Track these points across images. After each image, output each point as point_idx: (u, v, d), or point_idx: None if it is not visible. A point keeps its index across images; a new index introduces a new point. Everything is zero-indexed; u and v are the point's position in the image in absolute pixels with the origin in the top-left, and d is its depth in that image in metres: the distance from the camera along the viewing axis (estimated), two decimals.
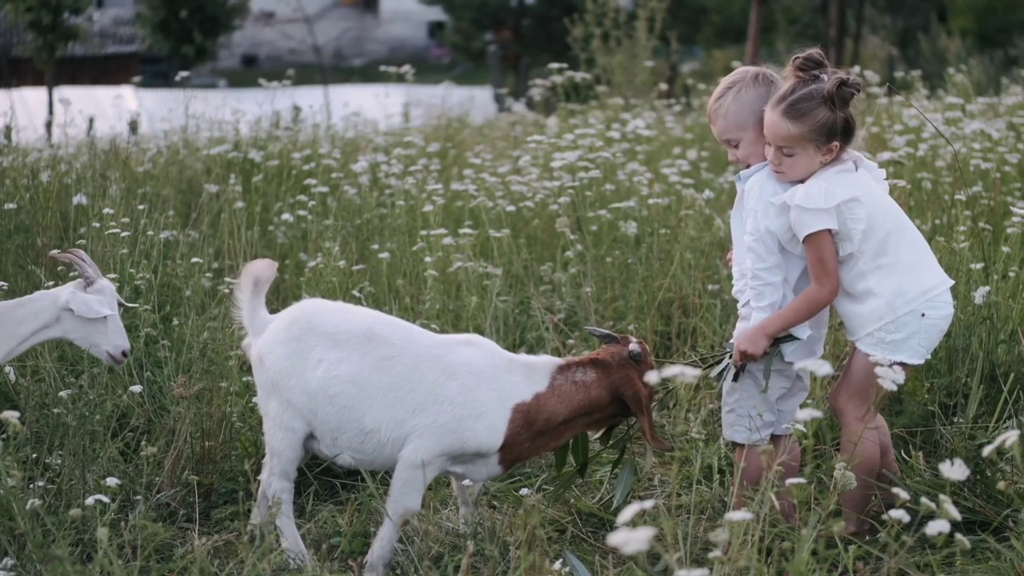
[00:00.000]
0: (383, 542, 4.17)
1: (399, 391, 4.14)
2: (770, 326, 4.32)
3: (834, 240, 4.30)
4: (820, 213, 4.25)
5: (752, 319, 4.38)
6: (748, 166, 4.50)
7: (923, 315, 4.30)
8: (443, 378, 4.14)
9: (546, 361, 4.33)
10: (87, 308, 4.59)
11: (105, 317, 4.61)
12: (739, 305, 4.57)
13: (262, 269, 4.30)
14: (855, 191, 4.29)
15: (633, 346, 4.37)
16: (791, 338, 4.37)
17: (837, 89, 4.29)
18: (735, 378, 4.48)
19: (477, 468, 4.25)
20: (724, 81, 4.51)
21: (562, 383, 4.26)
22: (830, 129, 4.30)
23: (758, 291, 4.35)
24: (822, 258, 4.29)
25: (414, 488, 4.14)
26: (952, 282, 4.42)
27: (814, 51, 4.42)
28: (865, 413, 4.38)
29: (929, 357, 4.43)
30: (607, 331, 4.54)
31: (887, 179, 4.56)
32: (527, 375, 4.24)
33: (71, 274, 4.76)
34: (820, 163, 4.34)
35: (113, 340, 4.65)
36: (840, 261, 4.34)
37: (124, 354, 4.67)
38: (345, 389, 4.14)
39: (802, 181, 4.36)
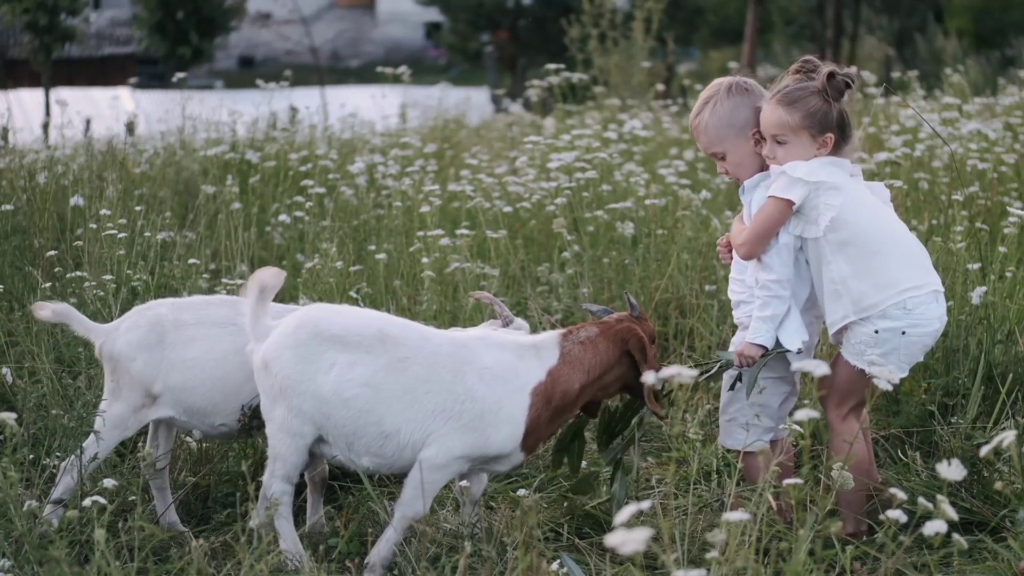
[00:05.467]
0: (385, 544, 4.17)
1: (417, 392, 4.13)
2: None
3: (791, 218, 4.34)
4: (795, 183, 4.30)
5: (751, 328, 4.39)
6: (738, 179, 4.53)
7: (903, 333, 4.32)
8: (460, 377, 4.14)
9: (550, 335, 4.35)
10: None
11: None
12: (735, 312, 4.58)
13: (270, 277, 4.26)
14: (839, 181, 4.33)
15: (633, 301, 4.43)
16: (782, 350, 4.39)
17: (828, 79, 4.33)
18: (732, 387, 4.50)
19: (500, 462, 4.26)
20: (701, 96, 4.56)
21: (570, 348, 4.28)
22: (823, 118, 4.35)
23: (764, 301, 4.37)
24: (765, 223, 4.36)
25: (428, 491, 4.14)
26: (931, 288, 4.38)
27: (811, 57, 4.47)
28: (847, 413, 4.41)
29: (921, 359, 4.47)
30: (603, 307, 4.58)
31: (889, 186, 4.60)
32: (538, 355, 4.25)
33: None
34: (815, 155, 4.37)
35: None
36: (806, 244, 4.39)
37: None
38: (361, 393, 4.12)
39: None
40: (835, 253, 4.34)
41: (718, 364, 4.57)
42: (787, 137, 4.37)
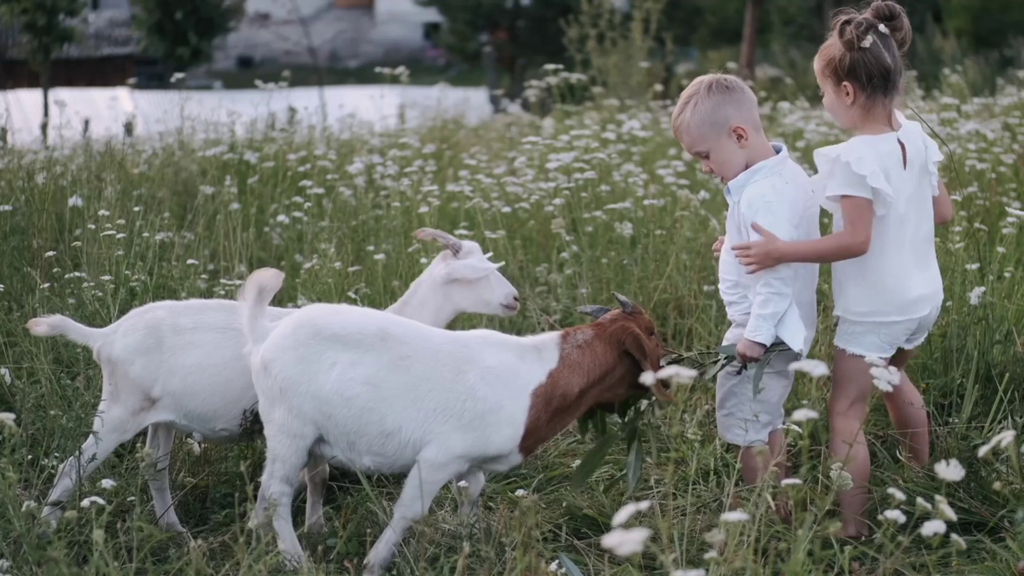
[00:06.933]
0: (384, 545, 4.17)
1: (419, 390, 4.13)
2: (788, 252, 4.31)
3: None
4: (863, 183, 4.29)
5: (750, 325, 4.37)
6: (723, 177, 4.51)
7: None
8: (461, 376, 4.14)
9: (549, 336, 4.34)
10: (472, 270, 4.73)
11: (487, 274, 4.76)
12: (728, 311, 4.58)
13: (268, 278, 4.25)
14: (891, 191, 4.32)
15: (622, 297, 4.41)
16: (784, 347, 4.38)
17: (840, 28, 4.38)
18: (738, 372, 4.50)
19: (499, 462, 4.26)
20: (682, 96, 4.53)
21: (569, 351, 4.27)
22: (837, 66, 4.38)
23: (766, 298, 4.34)
24: (855, 216, 4.31)
25: (428, 492, 4.14)
26: (925, 310, 4.46)
27: (886, 4, 4.43)
28: (848, 409, 4.43)
29: (904, 343, 4.50)
30: (597, 306, 4.57)
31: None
32: (538, 356, 4.25)
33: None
34: (847, 106, 4.40)
35: (502, 291, 4.80)
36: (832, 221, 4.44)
37: (516, 299, 4.83)
38: (362, 391, 4.12)
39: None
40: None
41: (720, 360, 4.56)
42: (822, 86, 4.48)
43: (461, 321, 6.06)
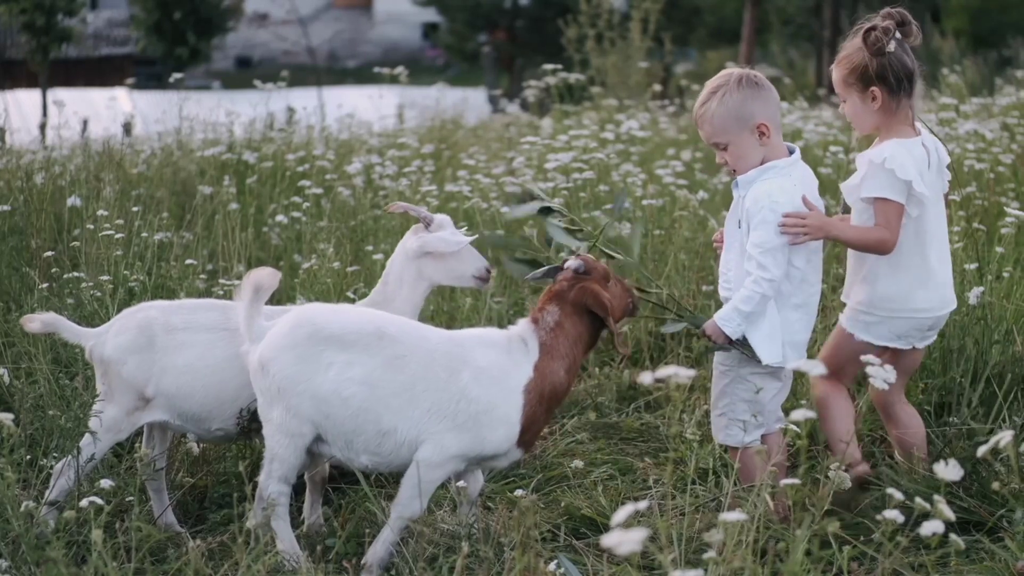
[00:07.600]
0: (382, 545, 4.17)
1: (414, 390, 4.13)
2: (838, 230, 4.43)
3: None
4: (902, 188, 4.37)
5: (724, 310, 4.42)
6: (735, 171, 4.51)
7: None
8: (455, 376, 4.14)
9: (524, 326, 4.31)
10: (444, 243, 4.69)
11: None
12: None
13: (265, 278, 4.24)
14: (928, 193, 4.40)
15: (571, 263, 4.37)
16: (750, 350, 4.39)
17: (864, 35, 4.41)
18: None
19: (498, 460, 4.26)
20: (709, 85, 4.53)
21: (544, 337, 4.26)
22: (862, 73, 4.43)
23: (750, 294, 4.35)
24: (891, 217, 4.40)
25: (425, 491, 4.14)
26: (946, 309, 4.60)
27: (893, 12, 4.49)
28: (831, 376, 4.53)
29: (918, 342, 4.57)
30: (545, 267, 4.53)
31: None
32: (524, 350, 4.24)
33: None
34: (873, 112, 4.46)
35: (474, 264, 4.76)
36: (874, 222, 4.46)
37: (488, 270, 4.79)
38: (359, 391, 4.12)
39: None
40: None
41: (684, 324, 4.62)
42: (843, 94, 4.50)
43: (460, 320, 6.06)
